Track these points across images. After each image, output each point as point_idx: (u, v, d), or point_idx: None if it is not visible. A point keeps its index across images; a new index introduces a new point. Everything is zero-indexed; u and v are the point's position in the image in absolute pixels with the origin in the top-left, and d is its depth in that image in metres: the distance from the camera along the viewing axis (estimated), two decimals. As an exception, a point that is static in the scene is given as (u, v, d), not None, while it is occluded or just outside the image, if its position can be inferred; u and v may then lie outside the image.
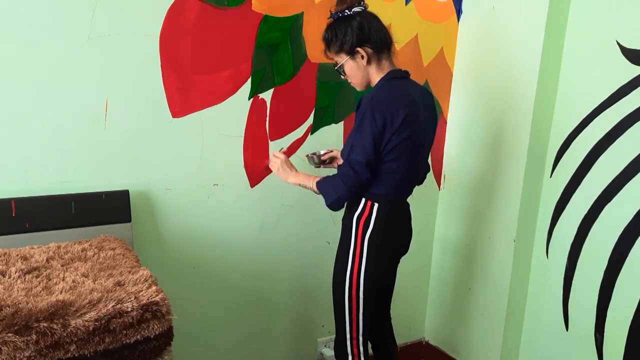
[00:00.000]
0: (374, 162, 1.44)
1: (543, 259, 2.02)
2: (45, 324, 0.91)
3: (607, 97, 1.75)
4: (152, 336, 1.03)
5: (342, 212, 1.61)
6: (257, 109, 1.79)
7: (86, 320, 0.95)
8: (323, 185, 1.52)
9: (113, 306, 0.98)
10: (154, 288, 1.06)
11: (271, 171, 1.79)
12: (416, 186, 1.65)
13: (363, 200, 1.52)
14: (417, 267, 2.35)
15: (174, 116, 1.64)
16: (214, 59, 1.66)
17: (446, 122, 2.26)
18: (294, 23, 1.78)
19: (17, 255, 1.23)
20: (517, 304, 2.08)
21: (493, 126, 2.06)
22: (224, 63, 1.68)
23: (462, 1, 2.14)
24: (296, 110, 1.87)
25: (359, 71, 1.51)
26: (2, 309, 0.93)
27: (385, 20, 1.53)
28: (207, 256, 1.81)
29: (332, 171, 1.67)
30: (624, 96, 1.70)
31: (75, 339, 0.94)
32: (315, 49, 1.84)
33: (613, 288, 1.78)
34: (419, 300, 2.43)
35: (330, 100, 1.92)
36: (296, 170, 1.67)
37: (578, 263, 1.89)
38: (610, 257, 1.78)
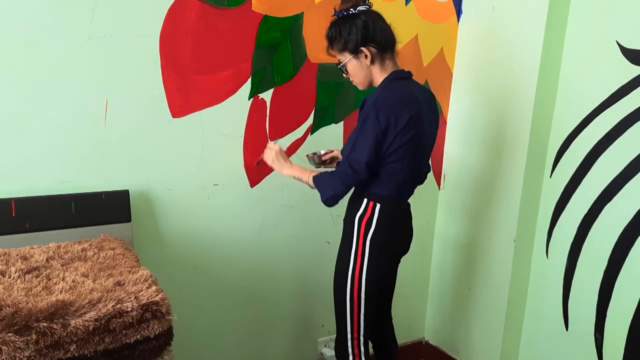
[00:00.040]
0: (374, 163, 1.44)
1: (543, 259, 2.02)
2: (45, 324, 0.91)
3: (607, 97, 1.75)
4: (152, 336, 1.03)
5: (342, 212, 1.61)
6: (257, 109, 1.79)
7: (86, 320, 0.95)
8: (320, 181, 1.51)
9: (113, 306, 0.98)
10: (154, 288, 1.07)
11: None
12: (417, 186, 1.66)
13: (365, 200, 1.52)
14: (417, 267, 2.35)
15: (174, 116, 1.64)
16: (214, 59, 1.66)
17: (446, 122, 2.26)
18: (294, 23, 1.78)
19: (17, 255, 1.24)
20: (517, 303, 2.08)
21: (493, 126, 2.06)
22: (224, 63, 1.69)
23: (462, 1, 2.14)
24: (296, 110, 1.87)
25: (362, 70, 1.51)
26: (2, 309, 0.93)
27: (385, 20, 1.54)
28: (207, 256, 1.81)
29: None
30: (624, 96, 1.70)
31: (75, 339, 0.94)
32: (315, 49, 1.84)
33: (613, 288, 1.78)
34: (419, 300, 2.43)
35: (330, 100, 1.92)
36: (291, 162, 1.66)
37: (578, 263, 1.89)
38: (610, 257, 1.78)
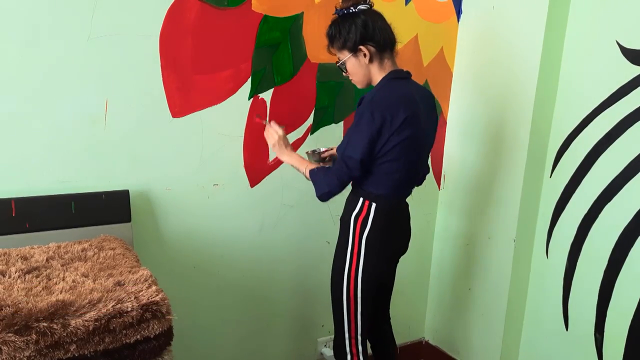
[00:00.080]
0: (367, 161, 1.45)
1: (543, 258, 2.02)
2: (45, 324, 0.91)
3: (607, 97, 1.75)
4: (152, 336, 1.03)
5: (341, 211, 1.61)
6: (257, 109, 1.79)
7: (86, 320, 0.95)
8: (316, 176, 1.51)
9: (113, 306, 0.98)
10: (154, 288, 1.07)
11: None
12: (415, 187, 1.65)
13: (361, 199, 1.52)
14: (417, 267, 2.35)
15: (174, 116, 1.64)
16: (214, 59, 1.66)
17: (446, 122, 2.26)
18: (294, 23, 1.78)
19: (17, 255, 1.24)
20: (517, 303, 2.08)
21: (493, 126, 2.06)
22: (224, 63, 1.69)
23: (462, 1, 2.14)
24: (296, 110, 1.87)
25: (360, 69, 1.51)
26: (2, 309, 0.93)
27: (385, 20, 1.54)
28: (207, 256, 1.81)
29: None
30: (624, 96, 1.70)
31: (75, 339, 0.94)
32: (315, 49, 1.84)
33: (613, 288, 1.78)
34: (419, 300, 2.44)
35: (330, 100, 1.92)
36: (292, 149, 1.65)
37: (578, 263, 1.89)
38: (610, 257, 1.78)
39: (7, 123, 1.41)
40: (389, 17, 1.50)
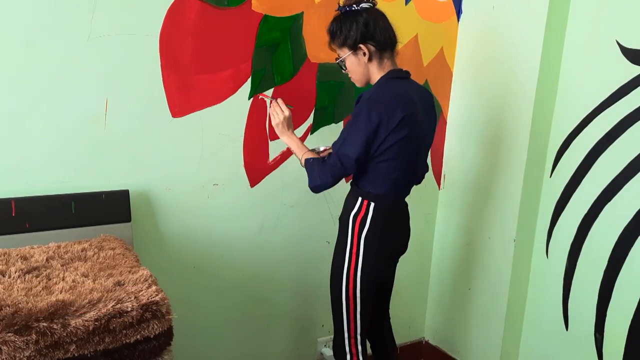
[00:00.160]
0: (363, 159, 1.45)
1: (543, 258, 2.02)
2: (45, 324, 0.91)
3: (607, 97, 1.75)
4: (152, 336, 1.03)
5: (340, 211, 1.61)
6: (257, 109, 1.79)
7: (86, 320, 0.95)
8: (311, 167, 1.52)
9: (113, 306, 0.98)
10: (153, 288, 1.07)
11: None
12: (414, 186, 1.65)
13: (360, 199, 1.52)
14: (417, 267, 2.35)
15: (174, 116, 1.64)
16: (214, 58, 1.66)
17: (446, 122, 2.26)
18: (294, 23, 1.78)
19: (17, 255, 1.23)
20: (517, 303, 2.08)
21: (493, 125, 2.06)
22: (224, 63, 1.68)
23: (462, 1, 2.14)
24: (296, 110, 1.87)
25: (359, 67, 1.51)
26: (2, 309, 0.93)
27: (385, 20, 1.53)
28: (207, 256, 1.81)
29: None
30: (624, 96, 1.70)
31: (75, 339, 0.94)
32: (315, 49, 1.84)
33: (613, 288, 1.78)
34: (419, 299, 2.44)
35: (330, 100, 1.92)
36: (293, 132, 1.64)
37: (578, 263, 1.89)
38: (610, 257, 1.78)
39: (7, 123, 1.40)
40: (389, 17, 1.51)
